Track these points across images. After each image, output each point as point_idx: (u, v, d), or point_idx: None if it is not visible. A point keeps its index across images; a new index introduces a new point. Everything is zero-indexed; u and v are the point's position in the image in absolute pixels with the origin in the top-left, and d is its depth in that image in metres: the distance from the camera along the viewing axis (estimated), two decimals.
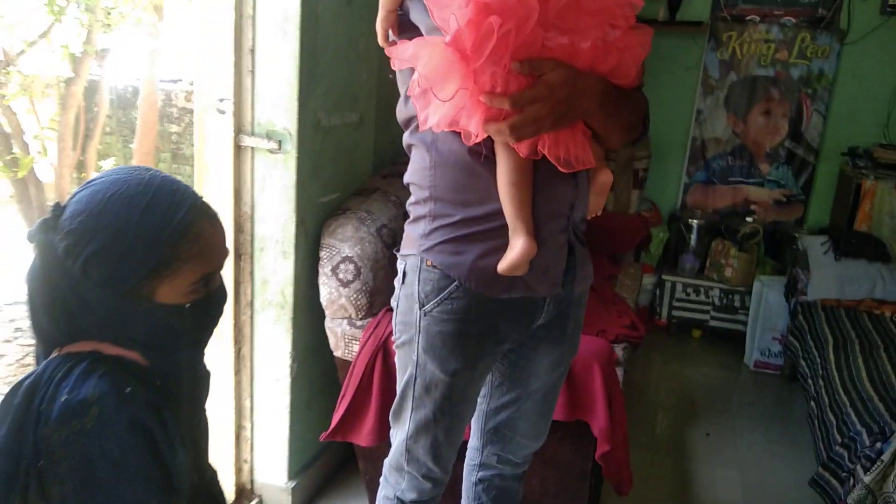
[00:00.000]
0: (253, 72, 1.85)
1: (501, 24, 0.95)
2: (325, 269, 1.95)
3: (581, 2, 1.01)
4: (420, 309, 1.24)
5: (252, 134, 1.89)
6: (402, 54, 1.06)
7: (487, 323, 1.25)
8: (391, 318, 1.35)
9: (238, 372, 2.06)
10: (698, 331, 3.82)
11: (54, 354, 0.93)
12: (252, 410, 2.10)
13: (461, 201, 1.19)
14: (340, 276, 1.93)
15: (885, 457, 1.87)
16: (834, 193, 3.76)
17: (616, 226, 3.53)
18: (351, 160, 2.20)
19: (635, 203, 3.81)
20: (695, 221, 3.80)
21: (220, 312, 1.03)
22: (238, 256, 1.98)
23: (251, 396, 2.09)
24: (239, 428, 2.11)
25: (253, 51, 1.84)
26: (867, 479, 1.88)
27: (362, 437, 1.87)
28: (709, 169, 3.98)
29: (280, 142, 1.87)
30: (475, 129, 1.04)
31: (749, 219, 3.82)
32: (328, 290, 1.94)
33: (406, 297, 1.27)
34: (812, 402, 2.49)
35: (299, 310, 2.02)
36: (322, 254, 1.97)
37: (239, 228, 1.95)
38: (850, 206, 3.35)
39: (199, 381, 1.06)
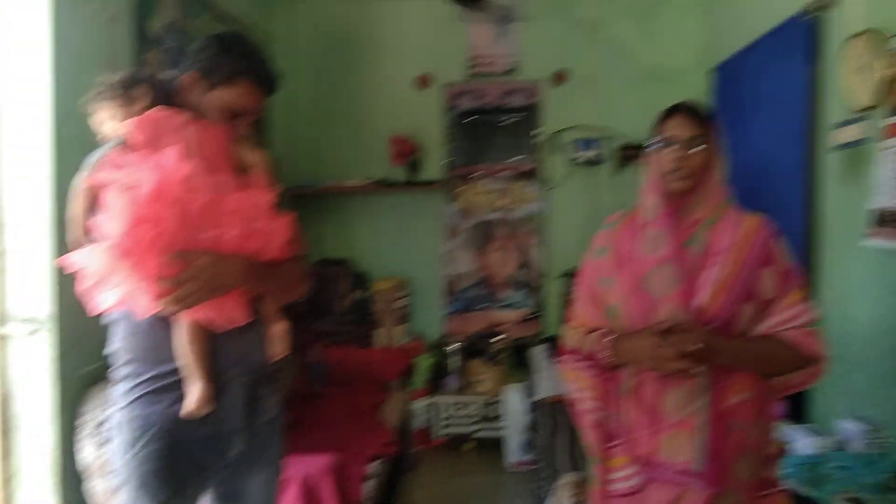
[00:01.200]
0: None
1: (153, 230, 1.39)
2: (85, 433, 2.20)
3: (219, 207, 1.48)
4: (127, 452, 1.57)
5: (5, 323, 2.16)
6: (77, 258, 1.44)
7: (186, 457, 1.59)
8: None
9: None
10: (469, 443, 4.31)
11: None
12: None
13: (152, 360, 1.58)
14: (100, 437, 2.19)
15: None
16: (561, 308, 4.54)
17: (381, 359, 4.03)
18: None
19: (401, 337, 4.35)
20: (453, 346, 4.39)
21: None
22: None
23: None
24: None
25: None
26: None
27: None
28: (461, 300, 4.65)
29: (36, 327, 2.16)
30: (146, 306, 1.46)
31: (497, 338, 4.48)
32: (88, 453, 2.19)
33: (116, 444, 1.60)
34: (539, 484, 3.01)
35: (62, 475, 2.22)
36: (83, 419, 2.22)
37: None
38: None
39: None
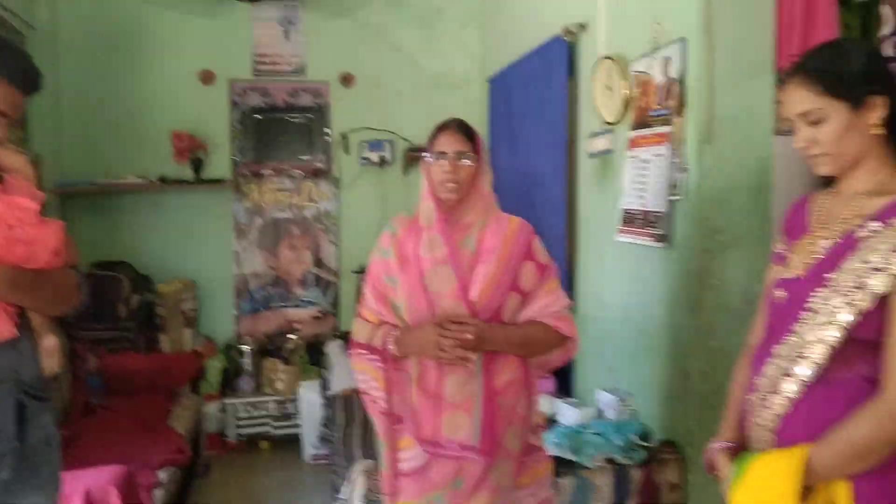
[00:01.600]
0: None
1: None
2: None
3: None
4: None
5: None
6: None
7: None
8: None
9: None
10: (265, 442, 4.30)
11: None
12: None
13: None
14: None
15: None
16: (355, 304, 4.65)
17: (168, 365, 3.88)
18: None
19: (189, 340, 4.21)
20: (246, 347, 4.34)
21: None
22: None
23: None
24: None
25: None
26: None
27: None
28: (253, 299, 4.60)
29: None
30: None
31: (292, 336, 4.50)
32: None
33: None
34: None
35: None
36: None
37: None
38: None
39: None
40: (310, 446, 4.06)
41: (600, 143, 2.98)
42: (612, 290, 2.98)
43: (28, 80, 1.55)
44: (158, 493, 2.53)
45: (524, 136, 3.81)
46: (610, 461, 2.49)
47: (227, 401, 4.21)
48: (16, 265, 1.46)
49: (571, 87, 3.26)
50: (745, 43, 2.29)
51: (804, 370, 1.31)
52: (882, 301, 1.24)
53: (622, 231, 2.78)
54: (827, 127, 1.33)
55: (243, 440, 4.25)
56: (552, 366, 1.91)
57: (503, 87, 4.17)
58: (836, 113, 1.32)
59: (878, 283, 1.24)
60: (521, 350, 1.78)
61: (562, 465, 2.46)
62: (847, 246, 1.31)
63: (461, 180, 1.77)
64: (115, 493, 2.08)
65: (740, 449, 1.46)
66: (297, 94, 4.61)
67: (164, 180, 4.26)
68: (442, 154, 1.78)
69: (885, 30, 1.88)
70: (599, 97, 2.92)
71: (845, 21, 2.34)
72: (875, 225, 1.28)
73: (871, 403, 1.24)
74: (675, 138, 2.41)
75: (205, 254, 4.49)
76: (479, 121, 4.64)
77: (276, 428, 4.27)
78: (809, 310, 1.32)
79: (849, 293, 1.27)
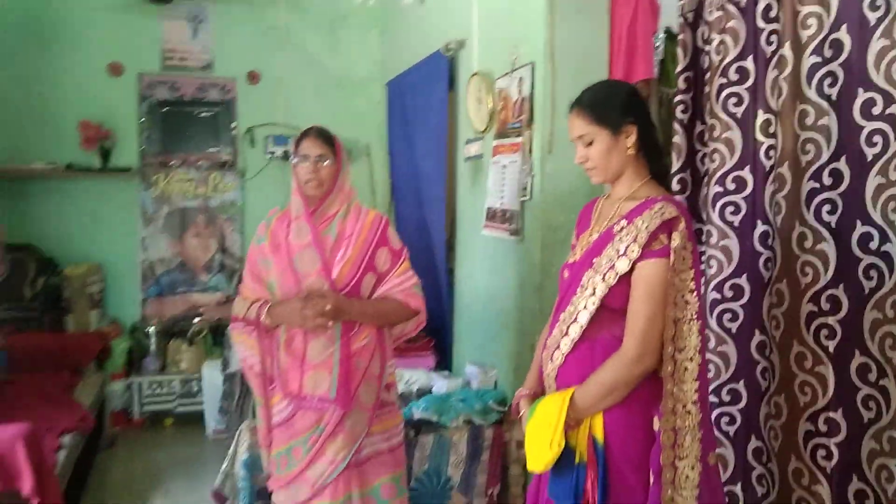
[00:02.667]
0: None
1: None
2: None
3: None
4: None
5: None
6: None
7: None
8: None
9: None
10: (169, 419, 4.54)
11: None
12: None
13: None
14: None
15: None
16: None
17: (72, 344, 4.09)
18: None
19: (95, 321, 4.41)
20: (152, 328, 4.57)
21: None
22: None
23: None
24: None
25: None
26: None
27: None
28: (159, 284, 4.81)
29: None
30: None
31: (197, 320, 4.74)
32: None
33: None
34: None
35: None
36: None
37: None
38: None
39: None
40: (212, 421, 4.32)
41: (473, 149, 3.40)
42: (480, 277, 3.40)
43: None
44: (61, 455, 2.78)
45: (414, 138, 4.19)
46: (468, 422, 2.90)
47: (133, 379, 4.42)
48: None
49: (452, 97, 3.66)
50: (582, 68, 2.73)
51: (575, 330, 1.74)
52: (625, 279, 1.67)
53: (486, 226, 3.20)
54: (595, 147, 1.76)
55: (147, 417, 4.47)
56: (407, 334, 2.30)
57: (398, 91, 4.54)
58: (600, 137, 1.74)
59: (621, 265, 1.67)
60: (375, 320, 2.15)
61: (426, 426, 2.86)
62: (607, 238, 1.73)
63: (322, 179, 2.12)
64: (22, 447, 2.33)
65: (538, 395, 1.87)
66: (205, 88, 4.84)
67: (71, 167, 4.43)
68: (305, 157, 2.13)
69: (679, 66, 2.33)
70: (472, 108, 3.33)
71: (671, 50, 2.82)
72: (624, 223, 1.71)
73: (615, 355, 1.67)
74: (525, 148, 2.84)
75: (112, 239, 4.68)
76: (378, 120, 5.00)
77: (180, 405, 4.51)
78: (581, 286, 1.75)
79: (604, 273, 1.70)
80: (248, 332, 2.16)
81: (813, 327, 1.88)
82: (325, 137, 2.17)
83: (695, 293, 1.64)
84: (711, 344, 2.12)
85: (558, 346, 1.77)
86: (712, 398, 2.11)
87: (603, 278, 1.69)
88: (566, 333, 1.76)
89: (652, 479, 1.63)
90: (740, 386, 2.11)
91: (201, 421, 4.42)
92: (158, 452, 4.17)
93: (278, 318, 2.10)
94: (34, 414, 2.92)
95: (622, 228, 1.71)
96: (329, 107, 4.92)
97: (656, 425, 1.65)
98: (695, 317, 1.64)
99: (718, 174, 2.12)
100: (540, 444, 1.71)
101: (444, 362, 3.76)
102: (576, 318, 1.74)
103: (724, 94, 2.11)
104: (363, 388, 2.12)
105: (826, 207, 1.88)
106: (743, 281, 2.09)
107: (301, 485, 2.11)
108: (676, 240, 1.62)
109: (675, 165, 2.31)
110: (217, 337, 4.72)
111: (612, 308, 1.70)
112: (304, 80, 4.96)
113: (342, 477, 2.10)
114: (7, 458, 2.32)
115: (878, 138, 1.78)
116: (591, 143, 1.77)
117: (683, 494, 1.64)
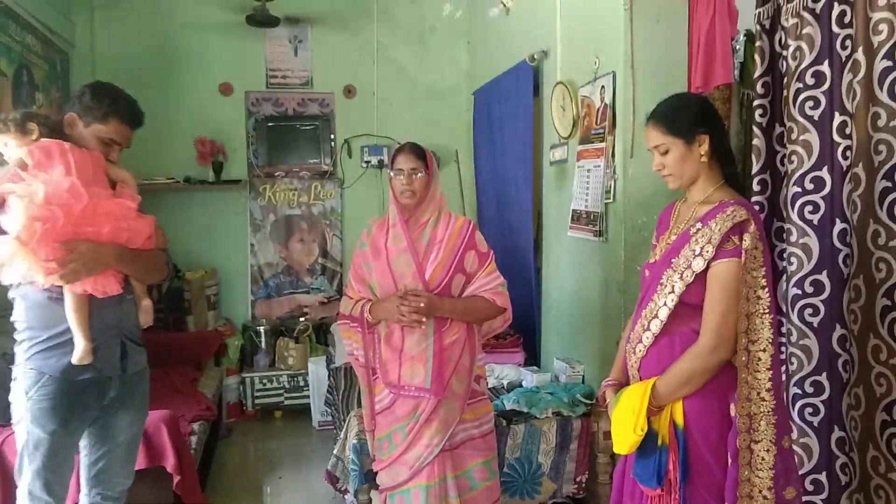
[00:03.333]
0: None
1: (43, 225, 1.90)
2: None
3: (95, 209, 2.01)
4: (25, 395, 2.06)
5: None
6: None
7: (71, 398, 2.10)
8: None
9: None
10: (279, 411, 4.90)
11: None
12: None
13: (45, 326, 2.07)
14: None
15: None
16: None
17: (195, 342, 4.49)
18: None
19: (212, 321, 4.82)
20: (262, 328, 4.95)
21: None
22: None
23: None
24: None
25: None
26: None
27: None
28: (267, 286, 5.20)
29: None
30: (41, 281, 1.96)
31: (302, 319, 5.10)
32: None
33: (16, 390, 2.08)
34: None
35: None
36: None
37: None
38: None
39: None
40: (318, 413, 4.66)
41: (558, 154, 3.56)
42: (565, 276, 3.56)
43: (135, 118, 2.23)
44: (193, 440, 3.13)
45: (500, 144, 4.38)
46: (557, 414, 3.07)
47: (245, 374, 4.82)
48: (121, 245, 2.09)
49: (537, 105, 3.83)
50: (661, 75, 2.85)
51: (655, 325, 1.89)
52: (701, 277, 1.81)
53: (572, 227, 3.36)
54: (670, 156, 1.90)
55: (259, 409, 4.85)
56: (495, 330, 2.50)
57: (484, 99, 4.74)
58: (675, 146, 1.89)
59: (697, 264, 1.81)
60: (464, 316, 2.37)
61: (517, 416, 3.05)
62: (684, 239, 1.87)
63: (416, 189, 2.36)
64: (164, 430, 2.67)
65: (622, 385, 2.03)
66: (306, 103, 5.19)
67: (189, 181, 4.86)
68: (399, 171, 2.37)
69: (757, 72, 2.42)
70: (556, 115, 3.49)
71: (751, 52, 2.89)
72: (699, 225, 1.85)
73: (693, 347, 1.81)
74: (607, 152, 2.98)
75: (225, 246, 5.09)
76: (465, 127, 5.22)
77: (287, 399, 4.87)
78: (661, 284, 1.89)
79: (682, 272, 1.84)
80: (354, 328, 2.42)
81: (887, 321, 1.95)
82: (417, 152, 2.40)
83: (766, 289, 1.77)
84: (794, 338, 2.21)
85: (640, 340, 1.93)
86: (796, 389, 2.20)
87: (681, 277, 1.83)
88: (647, 328, 1.91)
89: (729, 461, 1.77)
90: (823, 378, 2.18)
91: (308, 413, 4.76)
92: (270, 441, 4.53)
93: (379, 315, 2.35)
94: (168, 403, 3.29)
95: (697, 231, 1.84)
96: (419, 116, 5.19)
97: (732, 411, 1.78)
98: (767, 311, 1.76)
99: (797, 175, 2.20)
100: (625, 429, 1.87)
101: (532, 358, 3.93)
102: (656, 314, 1.89)
103: (801, 97, 2.19)
104: (455, 378, 2.34)
105: None
106: (823, 277, 2.16)
107: (401, 467, 2.36)
108: (747, 241, 1.75)
109: (756, 167, 2.40)
110: (321, 335, 5.06)
111: (690, 304, 1.84)
112: (396, 92, 5.23)
113: (437, 460, 2.33)
114: (154, 439, 2.68)
115: None
116: (666, 152, 1.91)
117: (760, 475, 1.77)
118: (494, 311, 2.41)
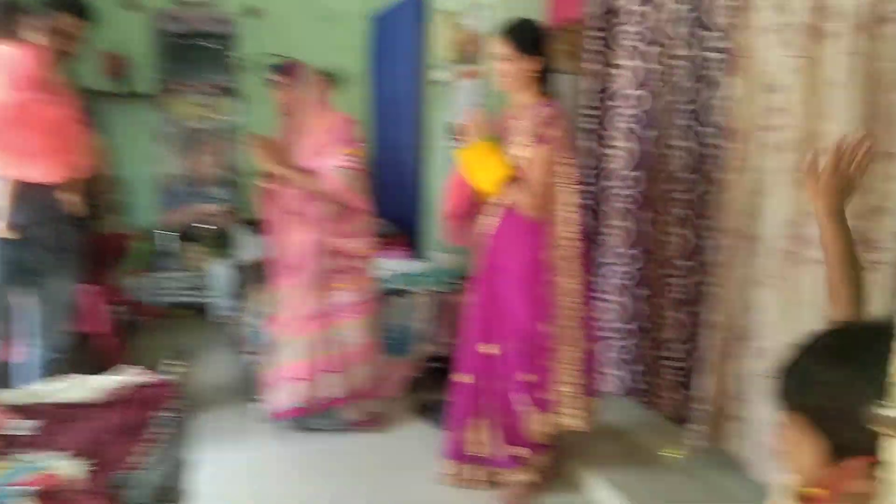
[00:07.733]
0: None
1: None
2: None
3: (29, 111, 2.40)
4: None
5: None
6: None
7: (19, 266, 2.55)
8: None
9: None
10: (184, 309, 5.33)
11: None
12: None
13: None
14: None
15: None
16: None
17: (104, 243, 4.82)
18: None
19: (120, 226, 5.14)
20: (168, 233, 5.32)
21: None
22: None
23: None
24: None
25: None
26: None
27: None
28: (174, 195, 5.55)
29: None
30: None
31: (205, 225, 5.49)
32: None
33: None
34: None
35: None
36: None
37: None
38: None
39: None
40: (219, 309, 5.12)
41: (440, 75, 4.11)
42: (443, 180, 4.15)
43: (83, 11, 2.68)
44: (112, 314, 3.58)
45: (393, 66, 4.89)
46: (430, 291, 3.71)
47: (153, 276, 5.21)
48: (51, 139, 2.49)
49: (423, 30, 4.35)
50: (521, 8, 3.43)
51: None
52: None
53: (447, 139, 3.95)
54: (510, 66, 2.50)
55: (167, 308, 5.27)
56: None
57: (379, 25, 5.20)
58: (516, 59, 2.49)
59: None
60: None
61: (398, 293, 3.67)
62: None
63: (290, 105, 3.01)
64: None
65: None
66: (210, 22, 5.47)
67: (93, 93, 5.08)
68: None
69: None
70: (439, 40, 4.03)
71: None
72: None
73: None
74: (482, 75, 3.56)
75: (132, 157, 5.37)
76: (360, 53, 5.66)
77: (193, 297, 5.30)
78: None
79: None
80: None
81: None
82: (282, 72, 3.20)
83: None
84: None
85: None
86: None
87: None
88: None
89: None
90: None
91: (208, 309, 5.21)
92: (178, 334, 4.96)
93: None
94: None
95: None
96: (316, 38, 5.53)
97: None
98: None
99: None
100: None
101: (416, 253, 4.55)
102: None
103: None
104: None
105: None
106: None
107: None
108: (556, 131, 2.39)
109: None
110: (222, 239, 5.47)
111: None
112: (295, 14, 5.58)
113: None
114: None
115: None
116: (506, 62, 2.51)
117: None
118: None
